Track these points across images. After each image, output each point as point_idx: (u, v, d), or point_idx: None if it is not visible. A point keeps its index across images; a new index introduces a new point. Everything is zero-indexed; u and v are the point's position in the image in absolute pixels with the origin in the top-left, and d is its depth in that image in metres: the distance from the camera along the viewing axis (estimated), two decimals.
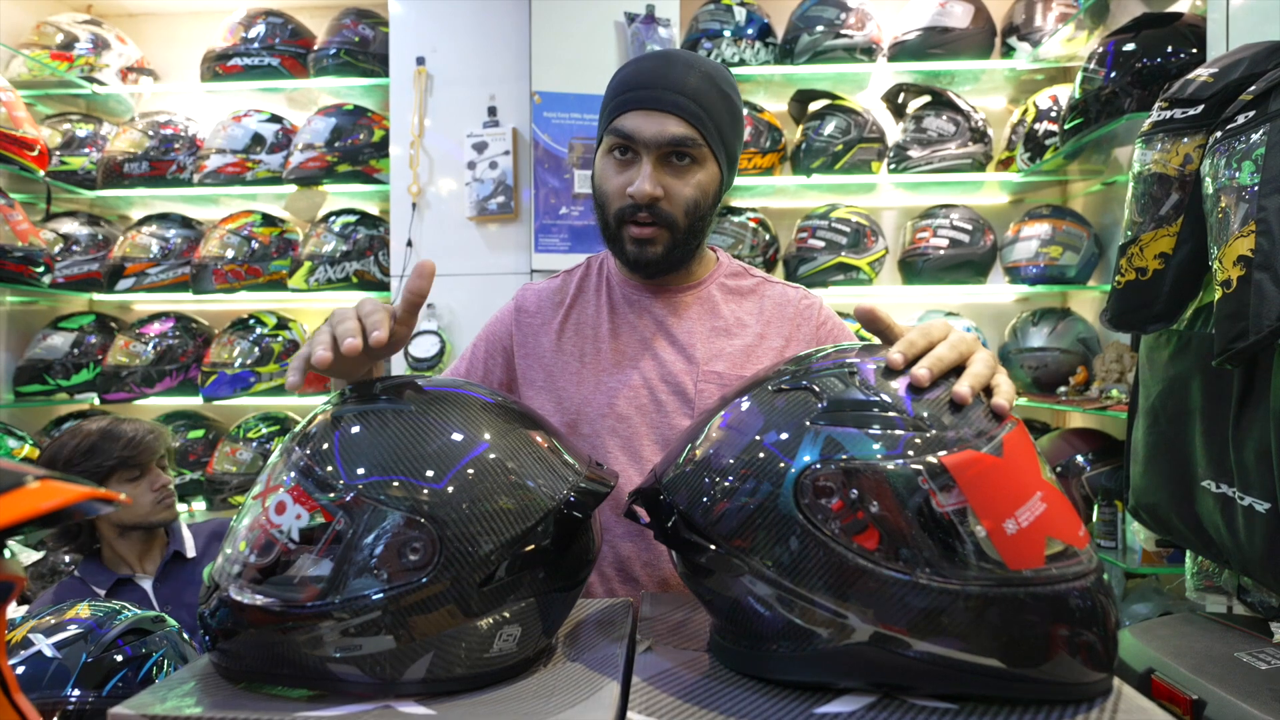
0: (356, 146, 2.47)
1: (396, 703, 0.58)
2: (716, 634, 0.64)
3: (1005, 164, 2.41)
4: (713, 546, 0.58)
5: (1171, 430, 1.32)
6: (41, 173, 2.29)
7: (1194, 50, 1.66)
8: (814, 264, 2.33)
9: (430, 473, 0.60)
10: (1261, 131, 1.10)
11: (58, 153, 2.58)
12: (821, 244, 2.33)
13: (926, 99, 2.42)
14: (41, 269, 2.22)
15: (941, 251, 2.33)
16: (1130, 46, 1.78)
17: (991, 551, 0.51)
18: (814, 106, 2.46)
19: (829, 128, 2.36)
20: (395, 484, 0.59)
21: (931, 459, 0.52)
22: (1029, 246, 2.27)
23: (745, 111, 2.42)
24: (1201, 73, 1.27)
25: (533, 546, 0.61)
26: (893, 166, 2.36)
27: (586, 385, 1.01)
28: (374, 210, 2.61)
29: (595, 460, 0.71)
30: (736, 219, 2.42)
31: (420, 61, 2.41)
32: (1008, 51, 2.39)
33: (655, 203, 0.92)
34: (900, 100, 2.47)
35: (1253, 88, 1.15)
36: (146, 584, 1.53)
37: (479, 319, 2.38)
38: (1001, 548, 0.51)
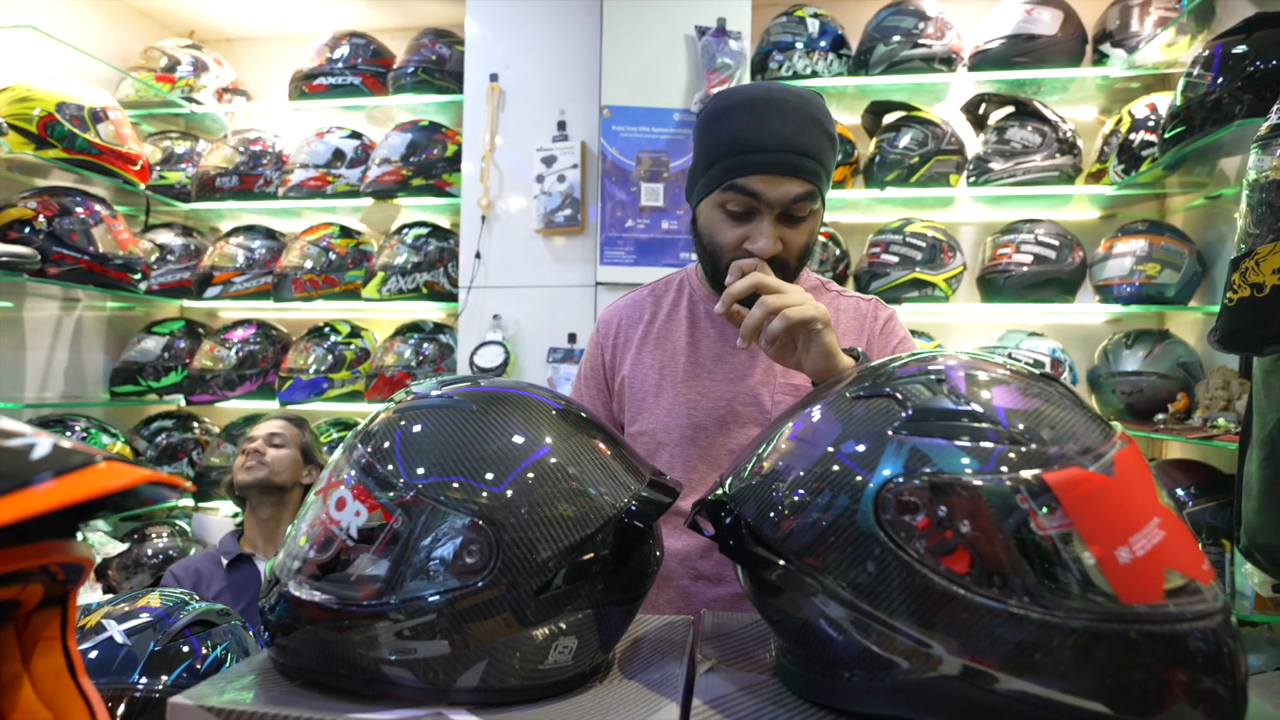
0: (430, 161, 2.54)
1: (449, 710, 0.56)
2: (783, 657, 0.60)
3: (1096, 177, 2.28)
4: (782, 563, 0.54)
5: None
6: (142, 186, 2.44)
7: None
8: (887, 279, 2.25)
9: (490, 475, 0.58)
10: None
11: (158, 168, 2.75)
12: (895, 259, 2.25)
13: (1010, 109, 2.32)
14: (138, 276, 2.35)
15: (1025, 268, 2.21)
16: (1240, 49, 1.66)
17: (1101, 582, 0.45)
18: (889, 119, 2.39)
19: (905, 140, 2.28)
20: (455, 485, 0.58)
21: (1030, 475, 0.47)
22: (1123, 264, 2.13)
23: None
24: None
25: (591, 555, 0.58)
26: (972, 179, 2.26)
27: (665, 398, 1.05)
28: (445, 223, 2.67)
29: (659, 470, 0.69)
30: None
31: (494, 78, 2.46)
32: (1100, 59, 2.27)
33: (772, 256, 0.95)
34: (981, 111, 2.37)
35: None
36: (262, 564, 1.63)
37: (544, 330, 2.41)
38: (1113, 578, 0.45)
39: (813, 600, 0.52)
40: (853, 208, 2.48)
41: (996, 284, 2.24)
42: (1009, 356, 2.31)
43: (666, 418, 1.04)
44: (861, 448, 0.53)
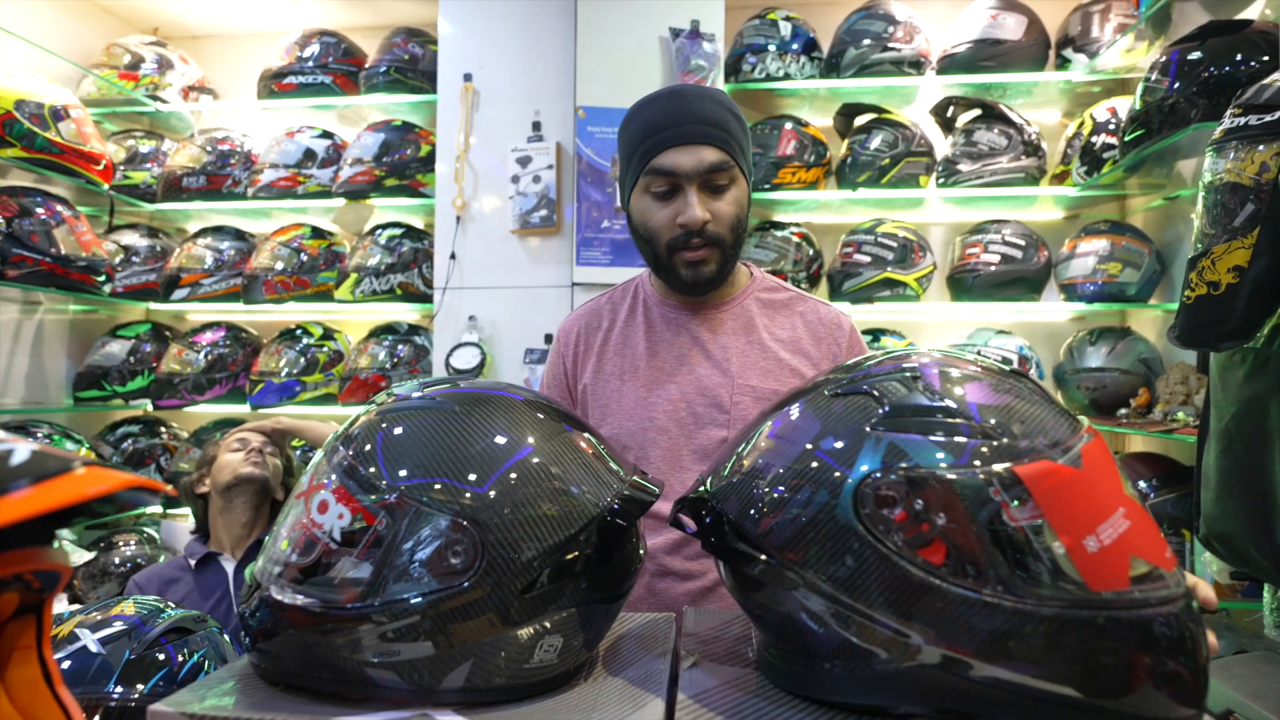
0: (404, 161, 2.52)
1: (434, 711, 0.56)
2: (766, 651, 0.61)
3: (1060, 178, 2.34)
4: (764, 558, 0.55)
5: (1248, 454, 1.25)
6: (106, 186, 2.38)
7: (1265, 58, 1.59)
8: (859, 279, 2.29)
9: (473, 476, 0.58)
10: None
11: (122, 167, 2.69)
12: (867, 259, 2.28)
13: (977, 112, 2.37)
14: (102, 278, 2.30)
15: (993, 268, 2.26)
16: (1196, 55, 1.71)
17: (1071, 570, 0.47)
18: (860, 121, 2.43)
19: (876, 141, 2.32)
20: (438, 486, 0.58)
21: (1002, 468, 0.49)
22: (1086, 263, 2.19)
23: (790, 126, 2.40)
24: (1278, 78, 1.21)
25: (575, 554, 0.59)
26: (941, 181, 2.31)
27: (627, 401, 1.07)
28: (419, 224, 2.65)
29: (639, 469, 0.69)
30: (779, 234, 2.39)
31: (467, 78, 2.45)
32: (1062, 63, 2.33)
33: (704, 226, 0.99)
34: (949, 114, 2.42)
35: None
36: (229, 565, 1.59)
37: (520, 331, 2.40)
38: (1082, 566, 0.47)
39: (794, 594, 0.53)
40: (826, 209, 2.52)
41: (965, 283, 2.28)
42: (978, 354, 2.36)
43: (629, 421, 1.06)
44: (840, 444, 0.54)
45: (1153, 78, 1.80)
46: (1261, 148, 1.19)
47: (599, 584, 0.61)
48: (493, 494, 0.58)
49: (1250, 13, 1.83)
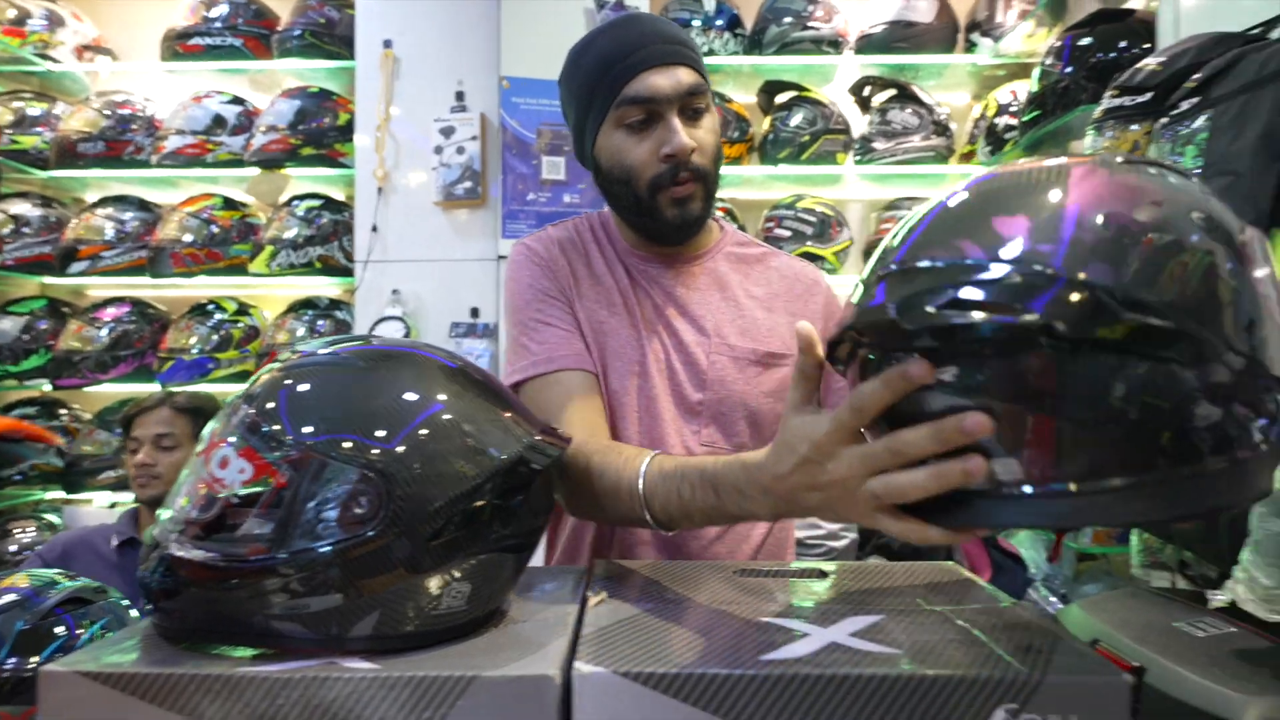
0: (321, 130, 2.43)
1: (342, 659, 0.57)
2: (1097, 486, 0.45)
3: (968, 157, 2.46)
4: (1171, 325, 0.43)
5: None
6: None
7: (1146, 45, 1.71)
8: (782, 251, 2.35)
9: (379, 430, 0.59)
10: (1204, 117, 1.14)
11: (9, 131, 2.50)
12: (788, 234, 2.35)
13: (892, 92, 2.46)
14: None
15: None
16: (1086, 41, 1.83)
17: None
18: (781, 98, 2.48)
19: (796, 119, 2.38)
20: (343, 440, 0.58)
21: None
22: None
23: (714, 102, 2.42)
24: (1150, 62, 1.31)
25: (482, 503, 0.60)
26: (858, 158, 2.39)
27: (621, 335, 0.97)
28: (339, 195, 2.57)
29: (551, 424, 0.72)
30: None
31: (387, 45, 2.38)
32: (970, 47, 2.43)
33: (690, 156, 0.89)
34: (866, 93, 2.50)
35: (1196, 75, 1.19)
36: None
37: (446, 305, 2.37)
38: None
39: (1200, 369, 0.44)
40: (749, 184, 2.57)
41: None
42: None
43: (616, 359, 0.97)
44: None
45: (1048, 62, 1.91)
46: (1134, 127, 1.29)
47: (507, 532, 0.63)
48: (400, 449, 0.59)
49: (1135, 2, 1.96)
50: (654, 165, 0.90)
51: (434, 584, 0.59)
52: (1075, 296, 0.43)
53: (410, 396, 0.62)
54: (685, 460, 0.73)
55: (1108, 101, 1.32)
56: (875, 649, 0.56)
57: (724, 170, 2.40)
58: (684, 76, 0.89)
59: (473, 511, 0.60)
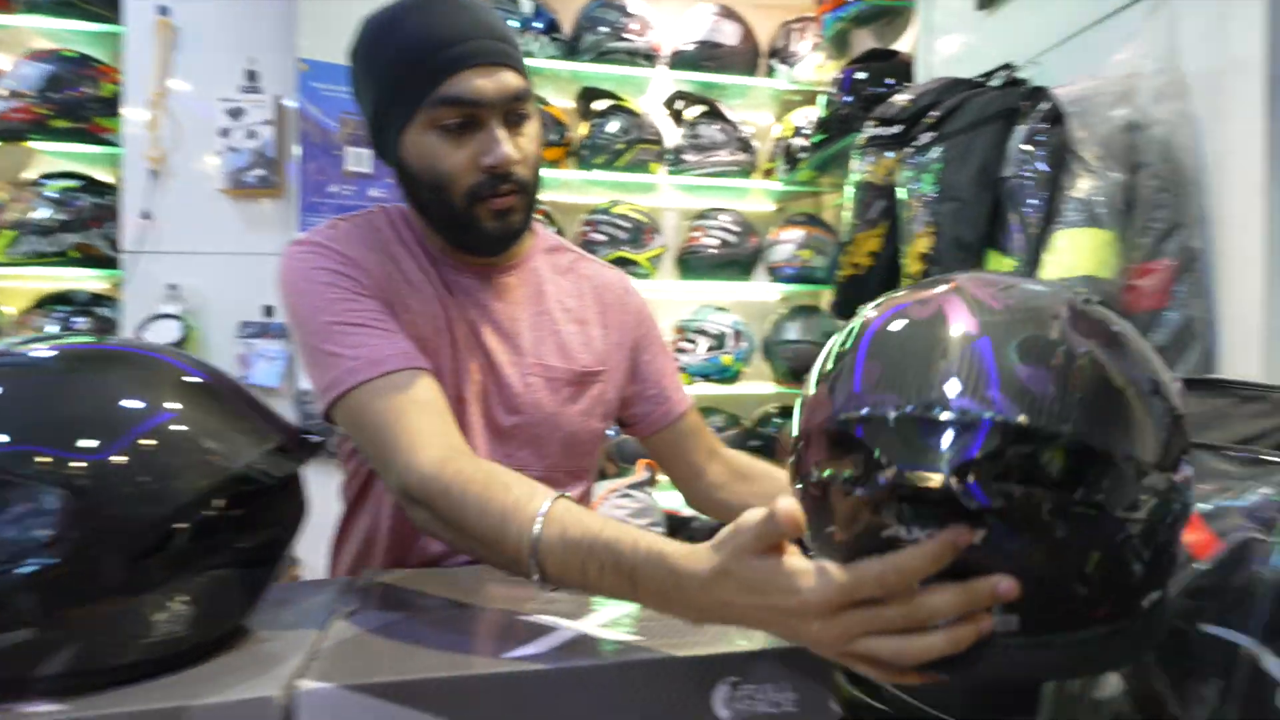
0: (79, 100, 2.13)
1: (20, 704, 0.50)
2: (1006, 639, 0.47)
3: (769, 174, 2.65)
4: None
5: None
6: None
7: (907, 83, 1.94)
8: (596, 256, 2.40)
9: (81, 440, 0.53)
10: (939, 150, 1.31)
11: None
12: (604, 238, 2.40)
13: (702, 108, 2.59)
14: None
15: (713, 250, 2.50)
16: (862, 75, 2.04)
17: None
18: (599, 105, 2.53)
19: (612, 126, 2.44)
20: (33, 453, 0.51)
21: None
22: (786, 249, 2.51)
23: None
24: (901, 98, 1.49)
25: (207, 518, 0.56)
26: (670, 168, 2.50)
27: (442, 356, 0.86)
28: (104, 176, 2.26)
29: (300, 428, 0.68)
30: None
31: (163, 12, 2.14)
32: (770, 71, 2.63)
33: (513, 169, 0.81)
34: (678, 107, 2.62)
35: (934, 113, 1.36)
36: None
37: (234, 302, 2.17)
38: None
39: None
40: (566, 188, 2.60)
41: (690, 264, 2.51)
42: (699, 328, 2.56)
43: (443, 382, 0.85)
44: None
45: (832, 92, 2.11)
46: (889, 154, 1.46)
47: (241, 548, 0.59)
48: (102, 459, 0.53)
49: (903, 44, 2.21)
50: (473, 174, 0.81)
51: (149, 608, 0.54)
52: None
53: (123, 402, 0.56)
54: (589, 526, 0.60)
55: (868, 130, 1.49)
56: (618, 637, 0.58)
57: (543, 173, 2.41)
58: (510, 80, 0.80)
59: (197, 527, 0.55)
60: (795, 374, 2.47)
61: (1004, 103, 1.25)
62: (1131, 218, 1.09)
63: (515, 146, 0.81)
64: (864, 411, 0.47)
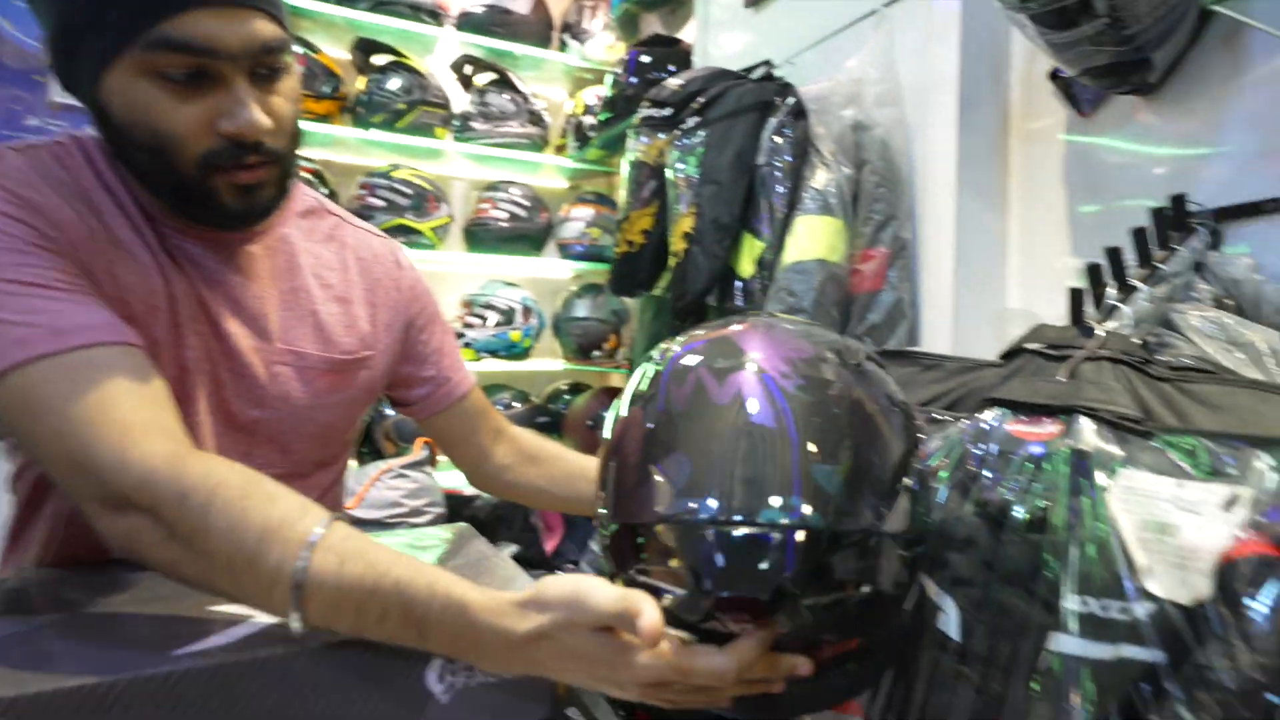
0: None
1: None
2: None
3: (561, 149, 2.64)
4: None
5: None
6: None
7: (687, 69, 2.02)
8: (373, 223, 2.24)
9: None
10: (702, 134, 1.37)
11: None
12: (382, 203, 2.25)
13: (493, 76, 2.51)
14: None
15: (502, 224, 2.45)
16: (646, 58, 2.09)
17: None
18: (378, 60, 2.36)
19: (393, 84, 2.28)
20: None
21: None
22: (576, 227, 2.52)
23: (299, 50, 2.20)
24: (673, 82, 1.54)
25: None
26: (457, 135, 2.39)
27: (148, 337, 0.69)
28: None
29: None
30: None
31: None
32: (563, 46, 2.61)
33: (263, 137, 0.67)
34: (467, 72, 2.52)
35: (700, 99, 1.42)
36: None
37: None
38: None
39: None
40: (341, 146, 2.40)
41: (478, 236, 2.43)
42: (488, 303, 2.50)
43: (163, 365, 0.69)
44: None
45: (619, 71, 2.14)
46: (661, 136, 1.51)
47: None
48: None
49: (686, 33, 2.30)
50: (207, 139, 0.65)
51: None
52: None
53: None
54: (375, 562, 0.52)
55: (643, 111, 1.52)
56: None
57: (313, 128, 2.20)
58: (259, 28, 0.65)
59: None
60: (584, 351, 2.50)
61: (759, 96, 1.34)
62: (857, 209, 1.22)
63: (266, 110, 0.66)
64: (684, 516, 0.48)
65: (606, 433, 0.58)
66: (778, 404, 0.50)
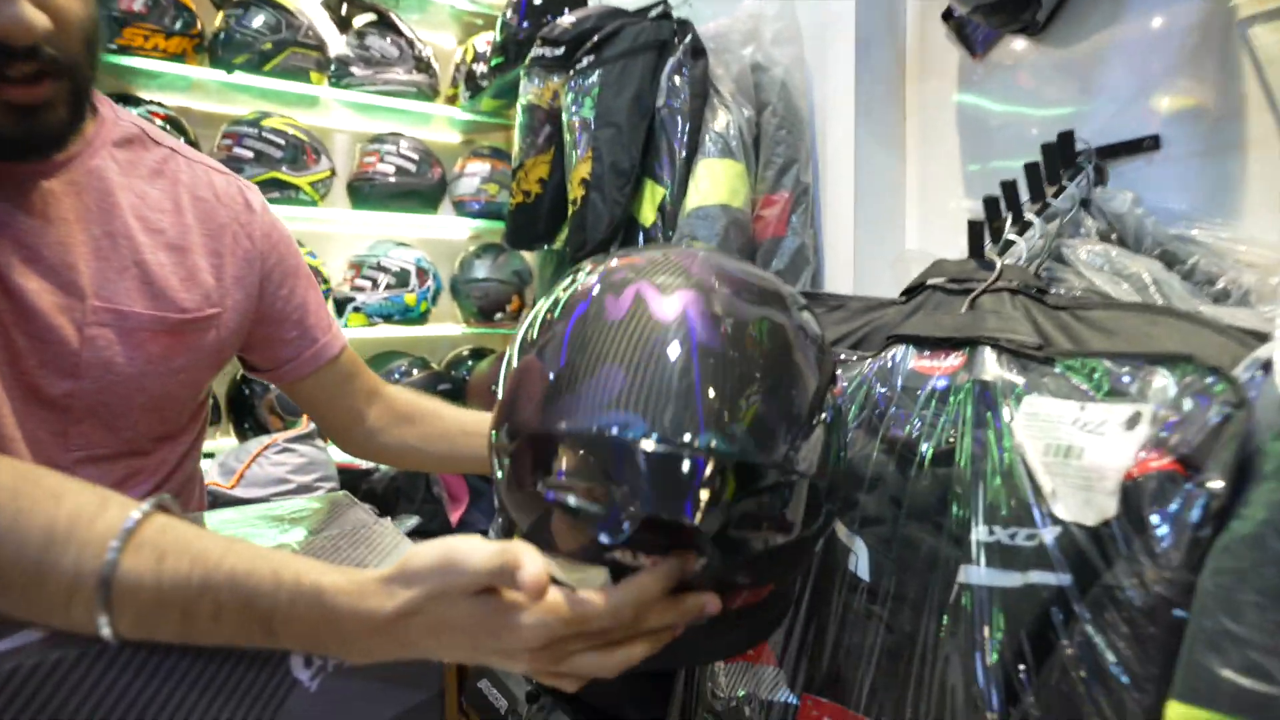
0: None
1: None
2: None
3: (453, 100, 2.48)
4: None
5: None
6: None
7: (582, 7, 1.92)
8: (242, 176, 2.04)
9: None
10: (598, 74, 1.30)
11: None
12: (250, 155, 2.05)
13: (372, 17, 2.32)
14: None
15: (390, 179, 2.29)
16: (538, 1, 1.97)
17: None
18: None
19: (255, 21, 2.06)
20: None
21: None
22: (472, 183, 2.39)
23: None
24: (566, 20, 1.45)
25: None
26: (334, 80, 2.20)
27: None
28: None
29: None
30: (136, 112, 1.95)
31: None
32: None
33: (39, 41, 0.55)
34: (345, 13, 2.31)
35: (595, 37, 1.34)
36: None
37: None
38: None
39: None
40: (200, 91, 2.16)
41: (363, 191, 2.26)
42: (379, 265, 2.35)
43: None
44: None
45: (509, 14, 2.02)
46: (555, 78, 1.42)
47: None
48: None
49: None
50: None
51: None
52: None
53: None
54: (203, 553, 0.44)
55: (535, 50, 1.43)
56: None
57: (164, 67, 1.96)
58: None
59: None
60: (485, 314, 2.40)
61: (656, 34, 1.28)
62: (759, 152, 1.18)
63: (40, 5, 0.55)
64: (600, 431, 0.44)
65: (519, 338, 0.53)
66: (717, 329, 0.48)
